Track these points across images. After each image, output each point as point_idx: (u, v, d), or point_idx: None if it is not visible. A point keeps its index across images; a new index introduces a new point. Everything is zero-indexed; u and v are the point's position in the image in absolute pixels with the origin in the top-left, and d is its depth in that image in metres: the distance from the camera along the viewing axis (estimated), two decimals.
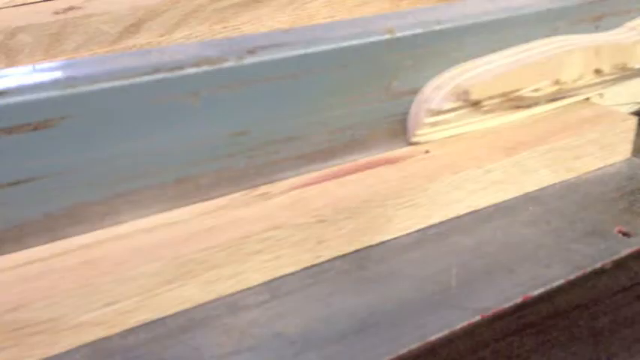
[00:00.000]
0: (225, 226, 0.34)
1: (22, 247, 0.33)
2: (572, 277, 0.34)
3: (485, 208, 0.40)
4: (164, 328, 0.31)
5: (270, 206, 0.36)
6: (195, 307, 0.33)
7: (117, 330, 0.31)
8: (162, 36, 0.44)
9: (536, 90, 0.44)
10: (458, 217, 0.40)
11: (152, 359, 0.30)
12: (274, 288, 0.34)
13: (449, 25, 0.41)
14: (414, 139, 0.42)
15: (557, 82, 0.44)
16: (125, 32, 0.43)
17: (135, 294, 0.31)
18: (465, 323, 0.31)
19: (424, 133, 0.42)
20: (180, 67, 0.33)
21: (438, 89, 0.41)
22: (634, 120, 0.46)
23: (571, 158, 0.44)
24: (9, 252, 0.32)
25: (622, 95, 0.50)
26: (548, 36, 0.45)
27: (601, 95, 0.49)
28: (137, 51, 0.41)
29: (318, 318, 0.32)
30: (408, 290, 0.34)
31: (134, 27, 0.43)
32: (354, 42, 0.38)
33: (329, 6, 0.51)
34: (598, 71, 0.46)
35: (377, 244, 0.37)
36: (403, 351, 0.30)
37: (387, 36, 0.39)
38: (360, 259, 0.36)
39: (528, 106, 0.45)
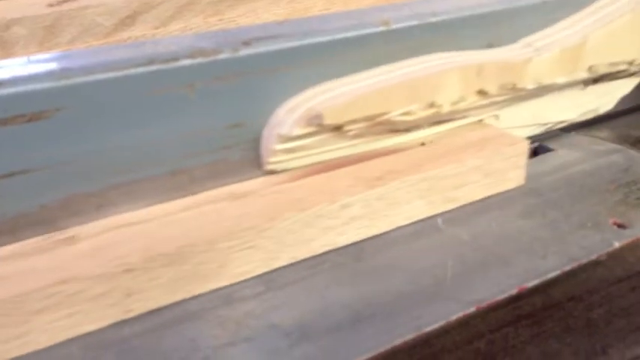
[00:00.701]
0: (6, 280, 0.29)
1: (17, 239, 0.33)
2: (567, 268, 0.35)
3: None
4: (159, 319, 0.31)
5: (70, 254, 0.31)
6: (190, 299, 0.33)
7: None
8: (157, 28, 0.44)
9: (407, 113, 0.39)
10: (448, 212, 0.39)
11: (148, 350, 0.30)
12: (270, 280, 0.34)
13: (444, 17, 0.41)
14: (269, 167, 0.38)
15: (432, 105, 0.39)
16: (120, 24, 0.43)
17: None
18: (460, 314, 0.31)
19: (280, 160, 0.37)
20: (175, 59, 0.33)
21: (291, 112, 0.36)
22: (524, 144, 0.41)
23: (450, 188, 0.39)
24: (4, 244, 0.32)
25: (520, 117, 0.45)
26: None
27: (496, 117, 0.44)
28: (132, 42, 0.41)
29: (314, 309, 0.32)
30: (403, 282, 0.34)
31: (129, 19, 0.43)
32: (350, 34, 0.38)
33: None
34: (482, 92, 0.41)
35: (372, 237, 0.37)
36: (398, 342, 0.30)
37: (383, 28, 0.39)
38: (356, 251, 0.36)
39: (407, 131, 0.41)
